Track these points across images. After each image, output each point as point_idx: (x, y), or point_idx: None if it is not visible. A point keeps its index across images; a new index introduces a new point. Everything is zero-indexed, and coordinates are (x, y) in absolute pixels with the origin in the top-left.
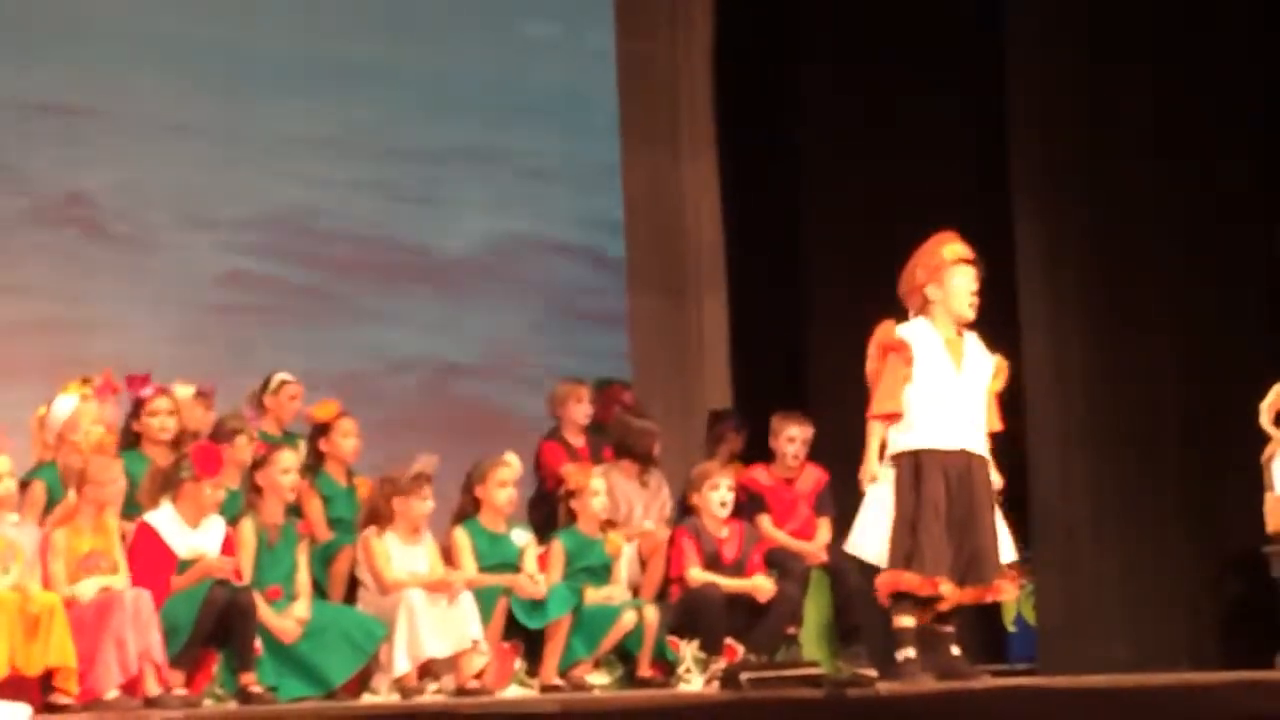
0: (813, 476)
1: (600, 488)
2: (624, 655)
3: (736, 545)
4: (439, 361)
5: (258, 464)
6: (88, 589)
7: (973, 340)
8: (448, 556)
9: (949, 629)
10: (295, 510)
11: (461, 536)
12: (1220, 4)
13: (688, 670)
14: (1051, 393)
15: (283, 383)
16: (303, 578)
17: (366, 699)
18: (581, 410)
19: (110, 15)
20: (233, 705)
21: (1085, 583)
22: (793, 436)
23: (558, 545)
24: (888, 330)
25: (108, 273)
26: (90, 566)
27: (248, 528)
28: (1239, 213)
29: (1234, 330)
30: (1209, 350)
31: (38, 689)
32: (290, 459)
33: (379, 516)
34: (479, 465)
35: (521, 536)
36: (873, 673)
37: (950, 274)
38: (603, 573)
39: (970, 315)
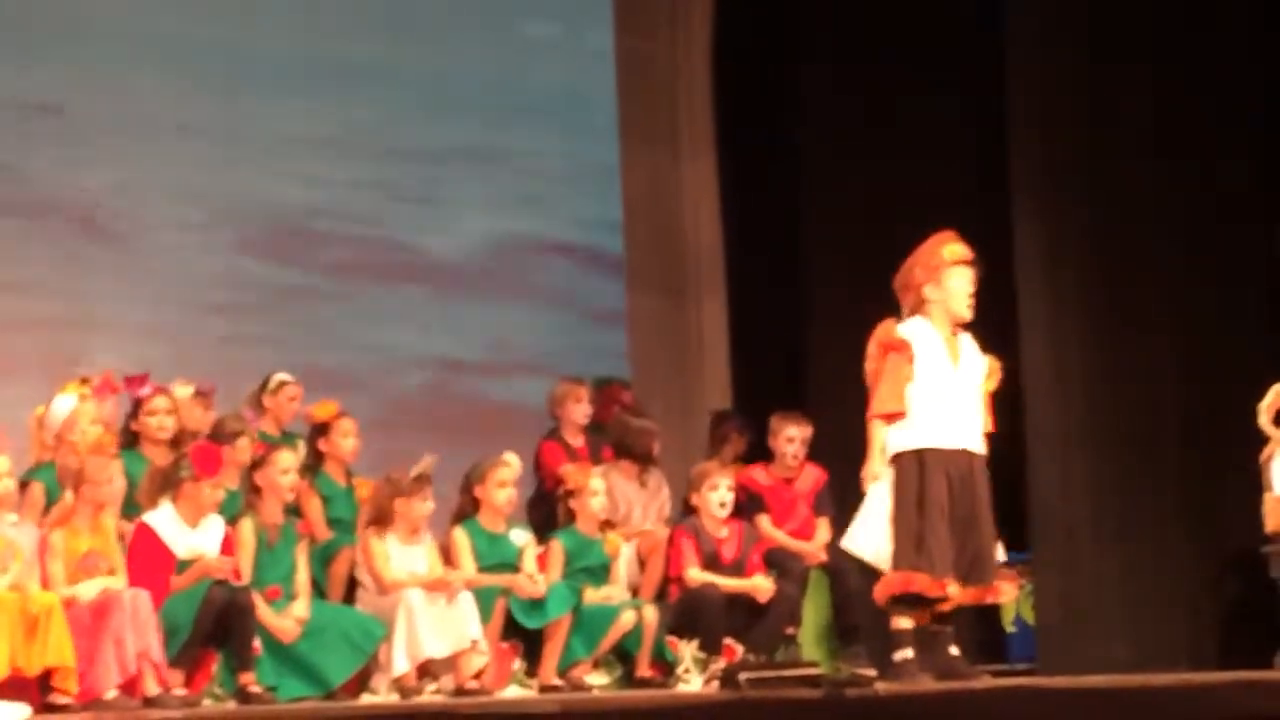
0: (812, 476)
1: (599, 487)
2: (623, 655)
3: (735, 545)
4: (438, 361)
5: (257, 464)
6: (88, 590)
7: (968, 340)
8: (447, 556)
9: (947, 629)
10: (294, 510)
11: (460, 536)
12: (1220, 4)
13: (687, 670)
14: (1051, 393)
15: (282, 383)
16: (302, 578)
17: (365, 699)
18: (580, 410)
19: (110, 15)
20: (232, 705)
21: (1085, 583)
22: (792, 436)
23: (557, 545)
24: (888, 329)
25: (107, 272)
26: (89, 567)
27: (247, 528)
28: (1239, 213)
29: (1234, 330)
30: (1209, 350)
31: (37, 689)
32: (289, 459)
33: (383, 517)
34: (478, 465)
35: (521, 536)
36: (872, 673)
37: (949, 274)
38: (602, 573)
39: (968, 316)
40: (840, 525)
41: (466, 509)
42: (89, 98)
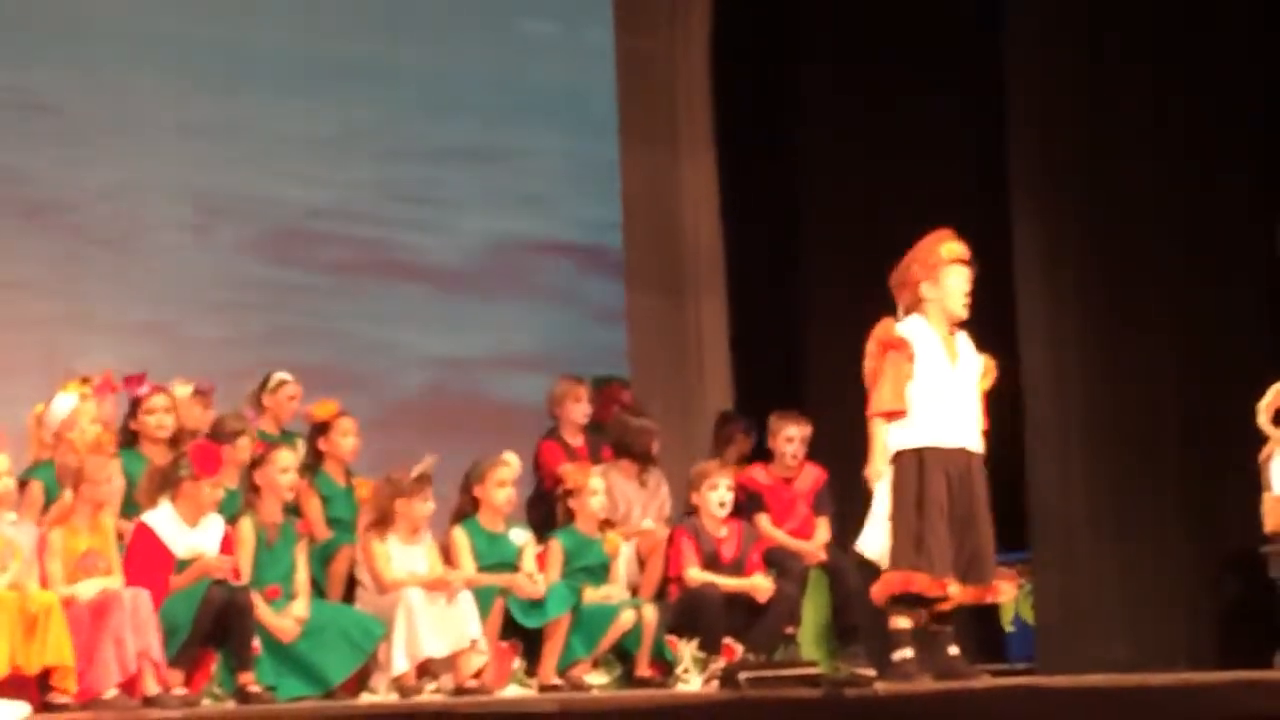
0: (811, 476)
1: (599, 487)
2: (622, 655)
3: (735, 544)
4: (438, 361)
5: (256, 463)
6: (87, 589)
7: (964, 338)
8: (446, 556)
9: (947, 629)
10: (294, 509)
11: (460, 536)
12: (1220, 4)
13: (686, 670)
14: (1051, 392)
15: (281, 382)
16: (301, 577)
17: (365, 698)
18: (580, 409)
19: (110, 15)
20: (231, 704)
21: (1084, 582)
22: (791, 436)
23: (556, 544)
24: (888, 328)
25: (106, 272)
26: (88, 566)
27: (246, 527)
28: (1239, 213)
29: (1234, 330)
30: (1208, 350)
31: (36, 688)
32: (288, 458)
33: (384, 518)
34: (477, 465)
35: (520, 536)
36: (871, 672)
37: (946, 273)
38: (601, 572)
39: (964, 315)
40: (839, 524)
41: (466, 508)
42: (89, 98)
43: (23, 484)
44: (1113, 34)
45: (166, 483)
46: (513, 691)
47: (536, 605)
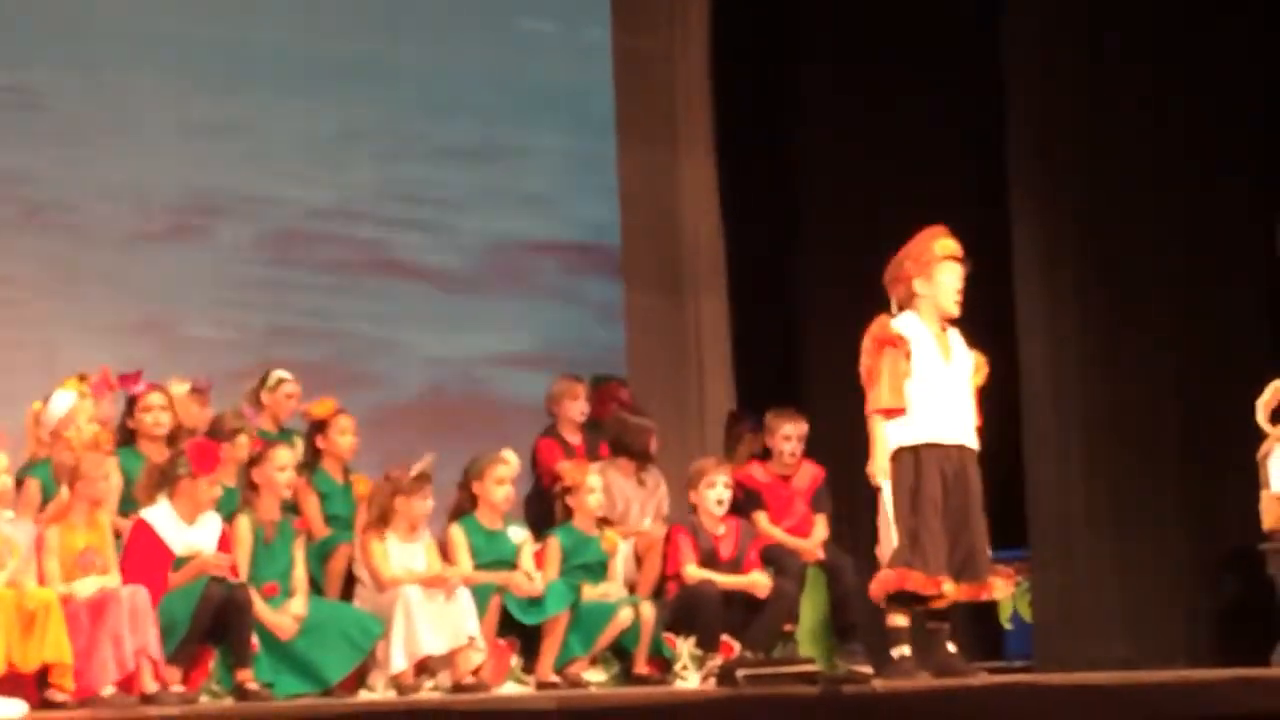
0: (809, 473)
1: (596, 484)
2: (620, 652)
3: (733, 542)
4: (437, 359)
5: (254, 461)
6: (85, 587)
7: (955, 335)
8: (444, 553)
9: (944, 626)
10: (292, 507)
11: (458, 533)
12: (1220, 4)
13: (684, 667)
14: (1049, 391)
15: (280, 380)
16: (299, 574)
17: (363, 696)
18: (577, 407)
19: (110, 15)
20: (229, 702)
21: (1082, 580)
22: (788, 434)
23: (554, 542)
24: (884, 325)
25: (106, 271)
26: (86, 564)
27: (244, 524)
28: (1239, 213)
29: (1233, 329)
30: (1208, 349)
31: (34, 685)
32: (286, 456)
33: (383, 516)
34: (476, 462)
35: (518, 533)
36: (868, 670)
37: (939, 270)
38: (599, 569)
39: (956, 311)
40: (838, 523)
41: (464, 505)
42: (89, 98)
43: (19, 482)
44: (1113, 34)
45: (165, 480)
46: (510, 689)
47: (534, 603)
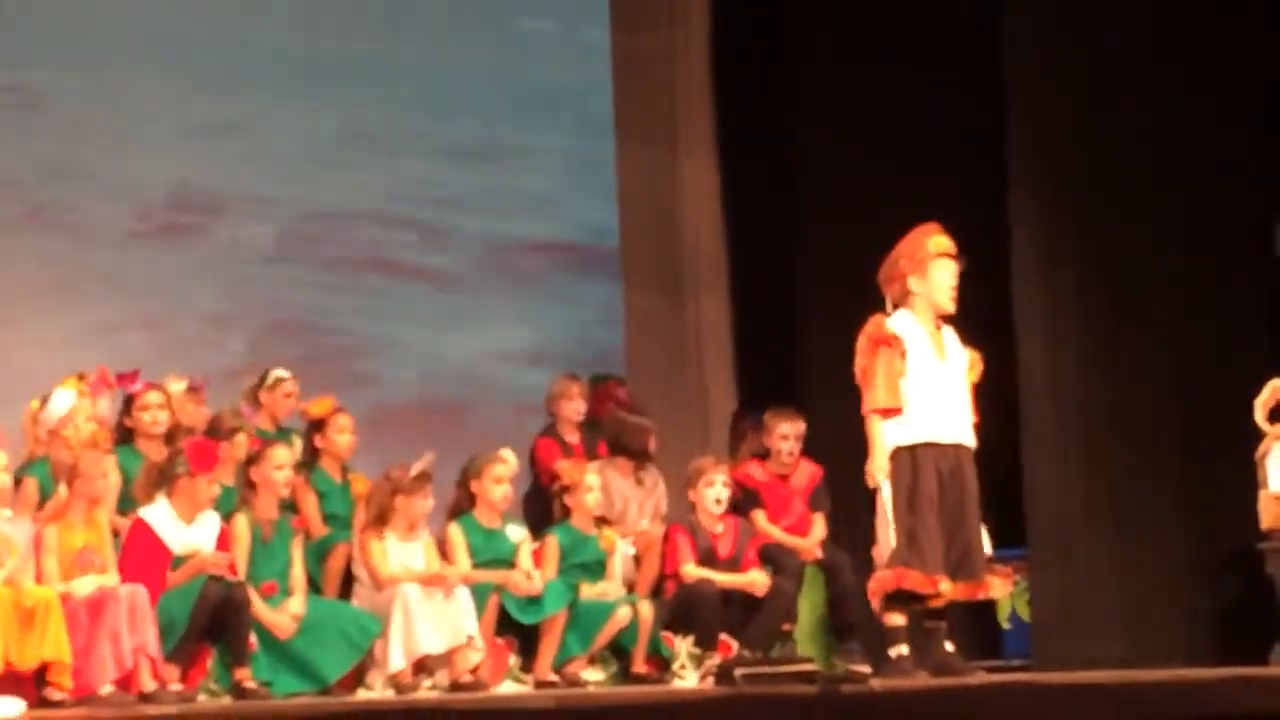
0: (807, 472)
1: (595, 483)
2: (618, 651)
3: (731, 541)
4: (436, 358)
5: (252, 460)
6: (84, 586)
7: (950, 333)
8: (442, 552)
9: (941, 625)
10: (290, 506)
11: (456, 532)
12: (1220, 4)
13: (682, 666)
14: (1049, 391)
15: (279, 379)
16: (297, 573)
17: (361, 695)
18: (574, 406)
19: (110, 15)
20: (227, 701)
21: (1080, 579)
22: (785, 433)
23: (552, 541)
24: (879, 324)
25: (105, 271)
26: (84, 563)
27: (242, 523)
28: (1239, 213)
29: (1232, 329)
30: (1207, 349)
31: (32, 684)
32: (284, 455)
33: (382, 515)
34: (474, 461)
35: (516, 532)
36: (866, 669)
37: (933, 267)
38: (597, 568)
39: (950, 309)
40: (836, 522)
41: (462, 504)
42: (89, 98)
43: (18, 481)
44: (1113, 34)
45: (163, 479)
46: (508, 688)
47: (533, 602)
